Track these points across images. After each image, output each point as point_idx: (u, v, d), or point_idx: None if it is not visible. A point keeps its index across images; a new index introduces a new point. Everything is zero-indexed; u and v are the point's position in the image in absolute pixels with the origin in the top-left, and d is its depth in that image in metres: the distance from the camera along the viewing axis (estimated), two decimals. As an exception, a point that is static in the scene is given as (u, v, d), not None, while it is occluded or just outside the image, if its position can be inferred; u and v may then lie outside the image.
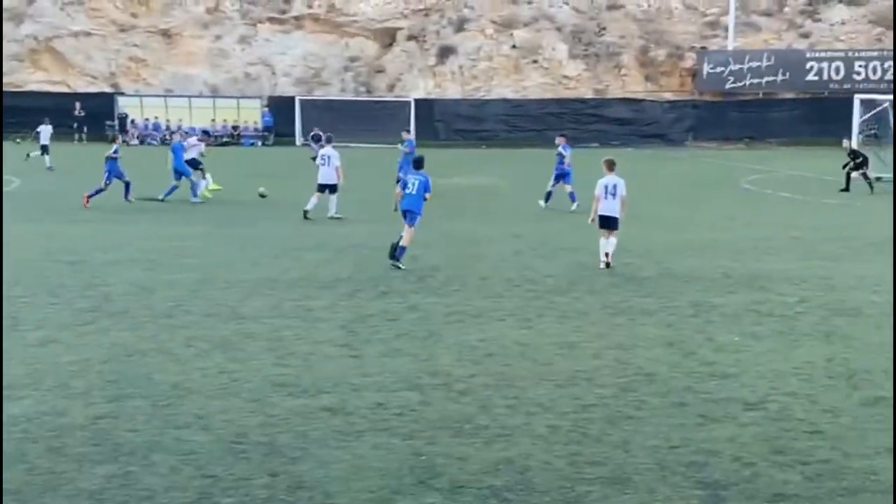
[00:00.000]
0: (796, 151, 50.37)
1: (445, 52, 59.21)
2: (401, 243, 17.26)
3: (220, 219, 24.40)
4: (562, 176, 26.30)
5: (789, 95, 58.70)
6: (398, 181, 26.58)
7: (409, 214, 17.53)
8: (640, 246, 19.73)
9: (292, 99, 58.40)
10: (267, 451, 8.32)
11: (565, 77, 58.72)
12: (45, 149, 39.52)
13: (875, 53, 57.70)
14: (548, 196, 26.51)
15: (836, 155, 38.09)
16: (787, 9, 60.90)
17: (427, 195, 17.51)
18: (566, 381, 10.48)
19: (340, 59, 61.82)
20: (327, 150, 24.82)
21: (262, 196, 23.57)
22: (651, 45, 59.39)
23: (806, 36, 59.73)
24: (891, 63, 56.91)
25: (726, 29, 58.73)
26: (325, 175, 24.40)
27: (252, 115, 59.29)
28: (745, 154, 49.82)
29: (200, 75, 61.35)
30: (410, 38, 61.00)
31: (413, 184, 17.58)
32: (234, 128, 58.98)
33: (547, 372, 10.82)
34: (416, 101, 56.69)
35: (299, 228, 22.55)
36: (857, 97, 37.78)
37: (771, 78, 57.68)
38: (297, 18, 61.66)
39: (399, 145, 29.66)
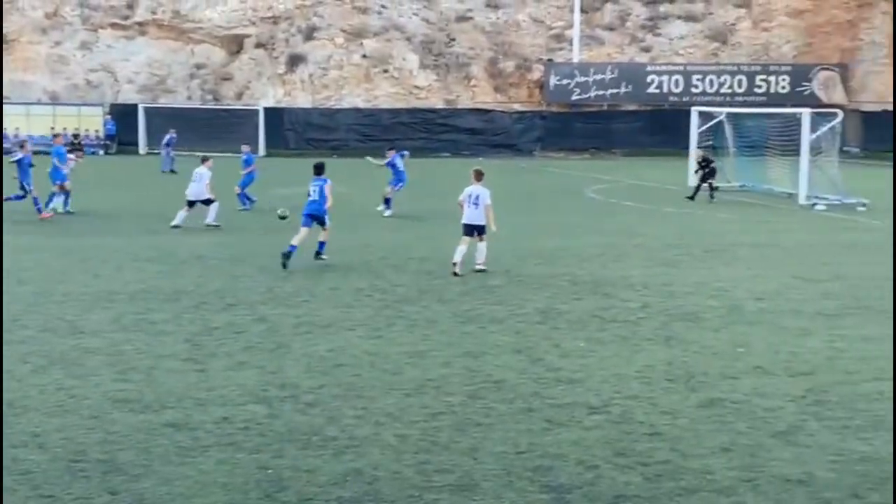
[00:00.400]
0: (639, 161, 51.89)
1: (295, 61, 58.75)
2: (320, 239, 18.66)
3: (58, 230, 23.55)
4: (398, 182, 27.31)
5: (632, 107, 60.51)
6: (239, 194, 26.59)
7: (313, 218, 18.60)
8: (490, 254, 19.93)
9: (135, 106, 56.87)
10: (107, 469, 8.06)
11: (416, 87, 59.07)
12: None
13: (711, 67, 60.04)
14: (387, 202, 27.04)
15: (677, 165, 39.47)
16: (628, 23, 62.79)
17: (329, 197, 18.58)
18: (415, 389, 10.51)
19: (186, 67, 60.58)
20: (201, 169, 24.43)
21: (283, 218, 22.41)
22: (500, 56, 60.33)
23: (647, 50, 61.70)
24: (726, 77, 59.35)
25: (571, 42, 60.17)
26: (194, 191, 24.17)
27: (94, 123, 57.45)
28: (591, 164, 51.08)
29: (39, 82, 59.14)
30: (259, 45, 60.27)
31: (314, 189, 18.63)
32: (75, 136, 56.92)
33: (396, 381, 10.82)
34: (266, 109, 56.05)
35: (142, 240, 21.96)
36: (695, 109, 39.20)
37: (615, 90, 59.35)
38: (140, 24, 60.14)
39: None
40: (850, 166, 40.32)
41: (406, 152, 30.11)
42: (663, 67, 59.95)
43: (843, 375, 11.19)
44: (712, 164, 32.17)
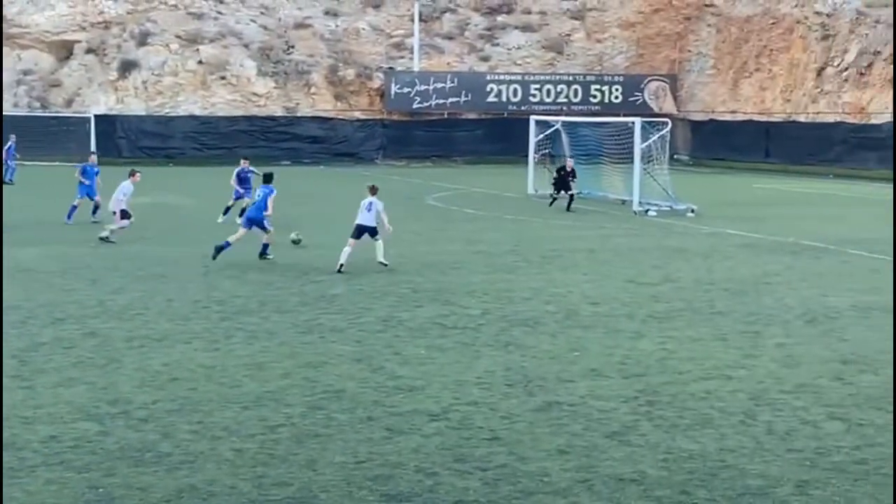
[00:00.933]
0: (479, 169, 52.57)
1: (128, 67, 57.08)
2: (263, 241, 20.25)
3: None
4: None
5: (472, 116, 61.25)
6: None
7: (255, 221, 20.03)
8: (331, 264, 19.84)
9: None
10: (-78, 498, 7.63)
11: (255, 94, 58.25)
12: None
13: (548, 77, 61.39)
14: (226, 210, 26.90)
15: (516, 172, 40.15)
16: (467, 33, 63.57)
17: (269, 206, 19.91)
18: (253, 402, 10.35)
19: (12, 73, 58.04)
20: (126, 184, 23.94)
21: (296, 242, 21.32)
22: (340, 64, 60.11)
23: (486, 59, 62.58)
24: (562, 86, 60.77)
25: (412, 50, 60.51)
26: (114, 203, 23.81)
27: (-88, 130, 54.38)
28: (432, 171, 51.46)
29: None
30: (89, 51, 58.31)
31: (259, 195, 20.38)
32: None
33: (234, 394, 10.63)
34: (97, 116, 54.19)
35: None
36: (533, 118, 39.97)
37: (455, 99, 59.96)
38: (-38, 27, 57.36)
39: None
40: (680, 173, 41.84)
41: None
42: (502, 77, 60.94)
43: (673, 376, 11.60)
44: (569, 177, 32.18)
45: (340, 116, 59.12)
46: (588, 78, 61.73)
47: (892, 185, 42.98)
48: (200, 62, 57.55)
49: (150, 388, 10.76)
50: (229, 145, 53.91)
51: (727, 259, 21.22)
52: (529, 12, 64.66)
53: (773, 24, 57.94)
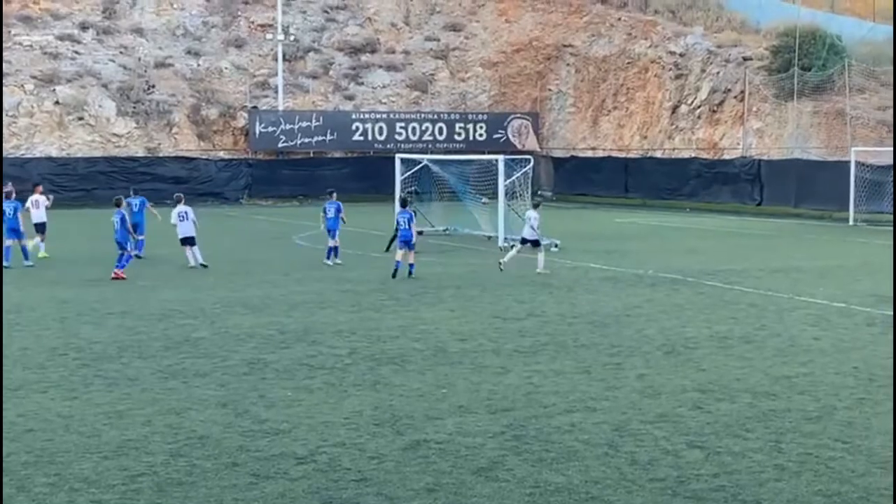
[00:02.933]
0: (346, 207, 52.35)
1: (2, 112, 55.09)
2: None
3: None
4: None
5: (338, 154, 61.18)
6: None
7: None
8: (193, 306, 19.51)
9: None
10: None
11: (115, 135, 56.90)
12: None
13: (413, 115, 61.88)
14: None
15: (383, 210, 40.19)
16: (332, 72, 63.66)
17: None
18: (114, 451, 10.05)
19: None
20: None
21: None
22: (202, 103, 59.35)
23: (351, 98, 62.72)
24: (427, 125, 61.29)
25: (276, 90, 60.17)
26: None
27: None
28: (299, 211, 51.08)
29: None
30: (-61, 91, 56.15)
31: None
32: None
33: (93, 444, 10.31)
34: (-52, 159, 52.13)
35: None
36: (399, 156, 40.17)
37: (321, 137, 59.78)
38: None
39: None
40: (544, 209, 42.56)
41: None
42: (367, 115, 61.14)
43: (539, 409, 11.76)
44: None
45: (204, 156, 58.25)
46: (452, 116, 62.47)
47: (742, 218, 44.73)
48: (57, 102, 56.02)
49: (5, 441, 10.34)
50: (88, 187, 52.60)
51: (590, 292, 21.68)
52: (393, 52, 65.22)
53: (628, 63, 59.84)
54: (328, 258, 26.93)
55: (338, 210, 27.55)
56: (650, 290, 22.01)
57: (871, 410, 11.73)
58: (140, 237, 28.30)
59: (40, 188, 30.62)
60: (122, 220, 24.43)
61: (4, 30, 58.23)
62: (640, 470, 9.53)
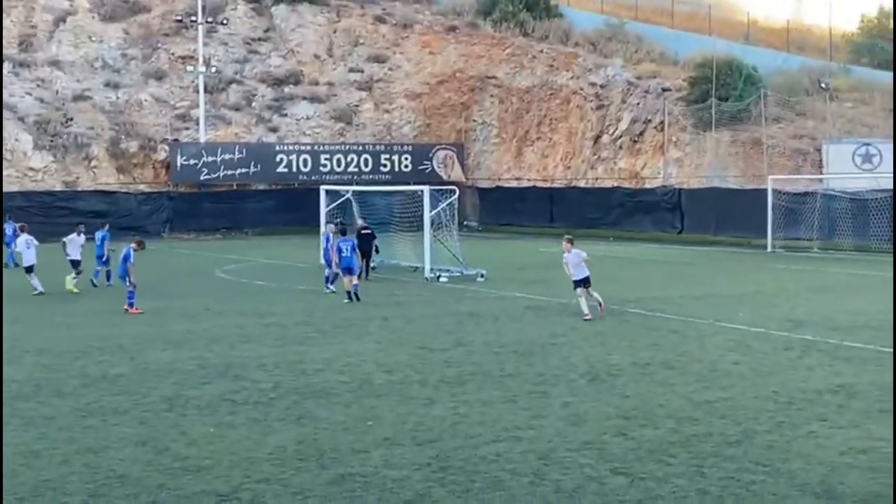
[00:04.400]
0: (270, 240, 52.11)
1: (2, 122, 53.60)
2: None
3: None
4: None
5: (262, 186, 60.80)
6: None
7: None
8: (112, 342, 19.14)
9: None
10: None
11: (31, 169, 55.85)
12: None
13: (338, 147, 61.81)
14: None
15: (307, 242, 39.97)
16: (255, 104, 63.38)
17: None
18: (30, 493, 9.78)
19: None
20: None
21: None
22: (122, 136, 58.60)
23: (275, 130, 62.48)
24: (353, 156, 61.22)
25: (198, 122, 59.67)
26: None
27: None
28: (222, 244, 50.64)
29: None
30: None
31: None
32: None
33: (8, 486, 10.00)
34: None
35: None
36: (323, 188, 40.05)
37: (244, 170, 59.35)
38: None
39: None
40: (470, 239, 42.87)
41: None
42: (291, 147, 60.90)
43: (465, 440, 11.72)
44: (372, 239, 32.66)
45: (124, 190, 57.44)
46: (378, 147, 62.57)
47: (664, 246, 45.41)
48: (-28, 136, 54.82)
49: (-88, 486, 9.99)
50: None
51: (516, 322, 21.76)
52: (317, 83, 65.21)
53: (551, 94, 60.64)
54: (330, 285, 27.80)
55: (353, 247, 27.00)
56: (574, 318, 22.16)
57: (790, 433, 11.91)
58: (98, 268, 30.74)
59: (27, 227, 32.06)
60: (124, 257, 24.47)
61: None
62: (565, 498, 9.54)
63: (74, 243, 30.06)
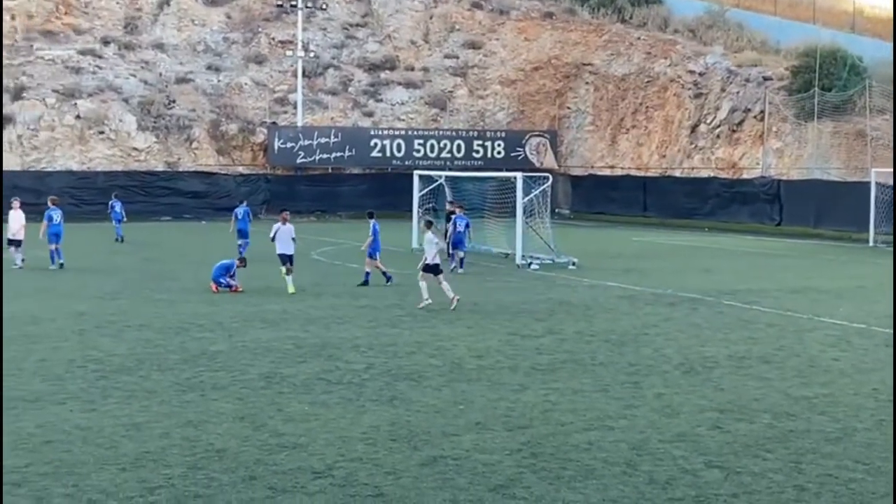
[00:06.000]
0: (363, 224, 52.49)
1: (2, 121, 55.57)
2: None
3: None
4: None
5: (356, 170, 61.37)
6: None
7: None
8: (211, 320, 19.56)
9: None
10: None
11: (134, 149, 57.27)
12: None
13: (431, 132, 62.01)
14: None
15: (400, 226, 40.24)
16: (351, 89, 63.92)
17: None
18: (132, 463, 10.07)
19: None
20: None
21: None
22: (222, 119, 59.66)
23: (370, 115, 62.94)
24: (445, 142, 61.41)
25: (295, 106, 60.45)
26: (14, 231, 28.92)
27: None
28: (316, 227, 51.20)
29: None
30: (-38, 104, 56.68)
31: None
32: None
33: (111, 456, 10.32)
34: (-31, 171, 52.57)
35: None
36: (417, 173, 40.24)
37: (339, 154, 59.99)
38: None
39: None
40: (561, 227, 42.65)
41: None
42: (386, 132, 61.32)
43: (556, 427, 11.70)
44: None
45: (223, 171, 58.54)
46: (471, 134, 62.59)
47: (761, 238, 44.56)
48: (78, 116, 56.43)
49: (23, 451, 10.38)
50: (107, 201, 52.69)
51: (608, 311, 21.62)
52: (412, 69, 65.43)
53: (648, 82, 59.87)
54: (461, 266, 28.97)
55: (467, 225, 29.78)
56: (668, 308, 21.93)
57: (891, 432, 11.63)
58: (242, 241, 32.72)
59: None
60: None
61: (27, 44, 58.73)
62: (658, 489, 9.48)
63: (284, 235, 24.83)
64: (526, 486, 9.50)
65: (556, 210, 52.95)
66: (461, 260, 29.38)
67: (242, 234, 33.28)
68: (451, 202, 34.42)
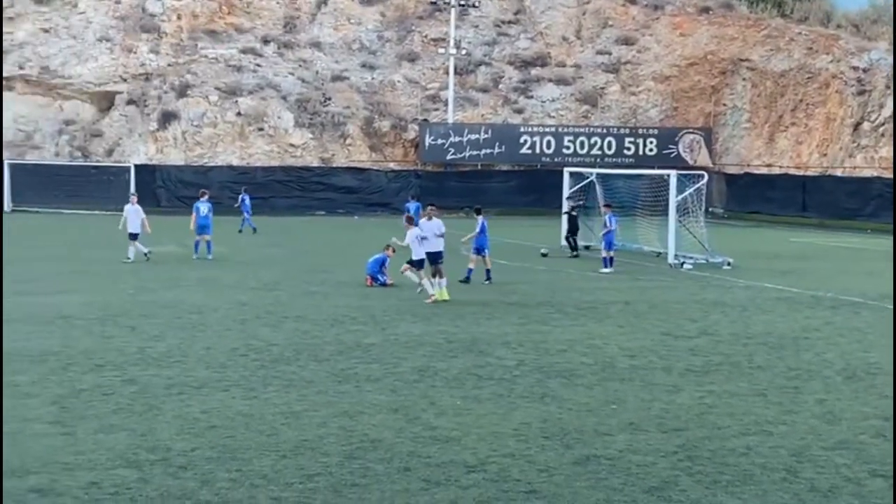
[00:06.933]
0: (512, 220, 52.62)
1: (168, 118, 57.97)
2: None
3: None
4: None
5: (505, 167, 61.52)
6: None
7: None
8: (364, 313, 19.93)
9: (0, 163, 55.22)
10: (-36, 542, 7.67)
11: (291, 145, 58.89)
12: None
13: (582, 129, 61.61)
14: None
15: (549, 224, 40.19)
16: (501, 86, 64.09)
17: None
18: (291, 451, 10.35)
19: (55, 122, 59.16)
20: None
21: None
22: (375, 116, 60.73)
23: (520, 112, 62.98)
24: (596, 139, 60.94)
25: (446, 103, 61.01)
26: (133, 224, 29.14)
27: (-44, 178, 55.57)
28: (465, 222, 51.51)
29: None
30: (130, 102, 59.34)
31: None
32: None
33: (271, 442, 10.64)
34: (137, 166, 55.02)
35: (4, 300, 21.16)
36: (567, 170, 40.04)
37: (488, 150, 60.27)
38: (7, 79, 58.53)
39: None
40: (715, 226, 41.74)
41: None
42: (536, 129, 61.24)
43: (713, 431, 11.48)
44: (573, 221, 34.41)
45: (375, 167, 59.58)
46: (622, 130, 61.91)
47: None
48: (239, 114, 58.33)
49: (189, 436, 10.80)
50: (265, 195, 54.39)
51: (765, 313, 21.06)
52: (564, 65, 65.11)
53: (808, 78, 57.98)
54: (610, 265, 28.90)
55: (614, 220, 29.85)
56: (829, 312, 21.23)
57: None
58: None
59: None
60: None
61: (192, 43, 61.00)
62: (820, 497, 9.20)
63: (430, 231, 23.03)
64: (682, 489, 9.36)
65: (710, 209, 51.85)
66: (611, 259, 29.04)
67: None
68: (607, 205, 34.38)
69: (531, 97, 63.71)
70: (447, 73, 60.98)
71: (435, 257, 22.57)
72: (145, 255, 29.06)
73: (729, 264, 30.13)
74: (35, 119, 58.95)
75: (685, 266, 30.28)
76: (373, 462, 10.01)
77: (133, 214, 29.62)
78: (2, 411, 9.85)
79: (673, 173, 32.61)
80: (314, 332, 17.60)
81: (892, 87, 52.42)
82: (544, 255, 32.48)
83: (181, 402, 12.27)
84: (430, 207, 24.51)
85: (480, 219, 26.04)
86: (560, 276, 27.48)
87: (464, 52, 62.44)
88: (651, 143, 61.45)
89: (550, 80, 64.34)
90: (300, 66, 62.24)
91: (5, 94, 58.29)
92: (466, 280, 25.16)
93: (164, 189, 56.12)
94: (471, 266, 25.53)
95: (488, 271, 25.62)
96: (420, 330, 18.11)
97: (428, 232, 22.78)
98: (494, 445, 10.70)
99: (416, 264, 22.50)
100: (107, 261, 28.18)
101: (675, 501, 9.00)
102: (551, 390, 13.42)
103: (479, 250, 25.65)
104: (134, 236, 29.25)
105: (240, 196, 44.02)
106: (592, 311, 21.03)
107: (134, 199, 30.76)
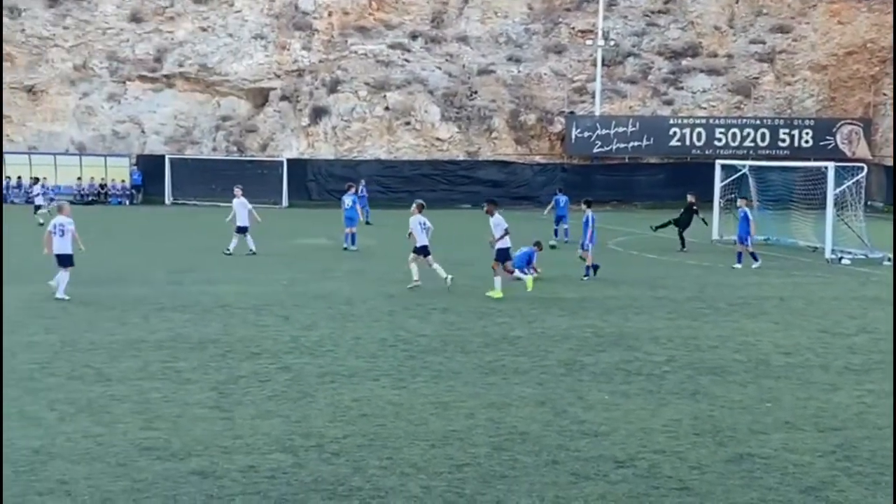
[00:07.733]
0: (660, 214, 51.74)
1: (319, 113, 59.29)
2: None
3: (82, 278, 23.66)
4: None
5: (654, 160, 60.55)
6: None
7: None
8: (510, 305, 19.96)
9: (162, 157, 57.58)
10: (132, 518, 8.05)
11: (438, 139, 59.42)
12: None
13: (734, 121, 60.11)
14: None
15: (698, 218, 39.32)
16: (650, 77, 63.08)
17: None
18: (440, 440, 10.47)
19: (212, 118, 61.26)
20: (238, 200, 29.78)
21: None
22: (521, 109, 60.64)
23: (669, 103, 61.88)
24: (749, 130, 59.40)
25: (593, 95, 60.45)
26: (241, 218, 29.53)
27: (120, 173, 58.13)
28: (612, 216, 50.98)
29: (67, 132, 59.91)
30: (283, 98, 60.91)
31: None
32: (102, 186, 57.72)
33: (421, 432, 10.78)
34: (289, 160, 56.49)
35: (167, 289, 22.06)
36: (719, 162, 39.19)
37: (636, 143, 59.46)
38: (167, 77, 60.92)
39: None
40: (875, 220, 40.16)
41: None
42: (686, 120, 60.07)
43: (873, 431, 11.08)
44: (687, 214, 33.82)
45: (521, 160, 59.53)
46: (776, 122, 60.16)
47: None
48: (387, 108, 59.17)
49: (342, 423, 11.05)
50: (412, 188, 54.99)
51: (928, 311, 20.16)
52: (715, 55, 63.64)
53: (976, 65, 55.14)
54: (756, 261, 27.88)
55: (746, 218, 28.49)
56: None
57: None
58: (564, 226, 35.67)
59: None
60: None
61: (342, 39, 62.18)
62: None
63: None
64: (840, 489, 9.07)
65: (869, 202, 49.89)
66: (752, 254, 28.03)
67: (562, 220, 36.30)
68: (742, 198, 33.49)
69: (681, 88, 62.50)
70: (594, 64, 60.40)
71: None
72: (251, 251, 28.75)
73: (889, 260, 28.98)
74: (194, 115, 61.16)
75: (843, 261, 29.28)
76: (521, 454, 10.04)
77: (241, 208, 29.61)
78: (2, 408, 10.22)
79: (831, 165, 31.56)
80: (461, 324, 17.73)
81: None
82: (553, 248, 32.28)
83: (333, 391, 12.56)
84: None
85: (589, 212, 25.57)
86: (710, 272, 26.92)
87: (612, 43, 61.71)
88: (807, 134, 59.51)
89: (702, 71, 62.97)
90: (447, 60, 62.68)
91: (166, 91, 60.72)
92: (588, 275, 24.77)
93: (315, 182, 57.43)
94: (587, 263, 25.06)
95: (588, 268, 25.04)
96: (567, 324, 18.03)
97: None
98: (644, 441, 10.58)
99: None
100: (260, 252, 28.99)
101: (833, 502, 8.73)
102: (702, 387, 13.18)
103: (584, 245, 25.18)
104: (243, 229, 29.29)
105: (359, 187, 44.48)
106: (745, 306, 20.53)
107: (239, 191, 30.50)
